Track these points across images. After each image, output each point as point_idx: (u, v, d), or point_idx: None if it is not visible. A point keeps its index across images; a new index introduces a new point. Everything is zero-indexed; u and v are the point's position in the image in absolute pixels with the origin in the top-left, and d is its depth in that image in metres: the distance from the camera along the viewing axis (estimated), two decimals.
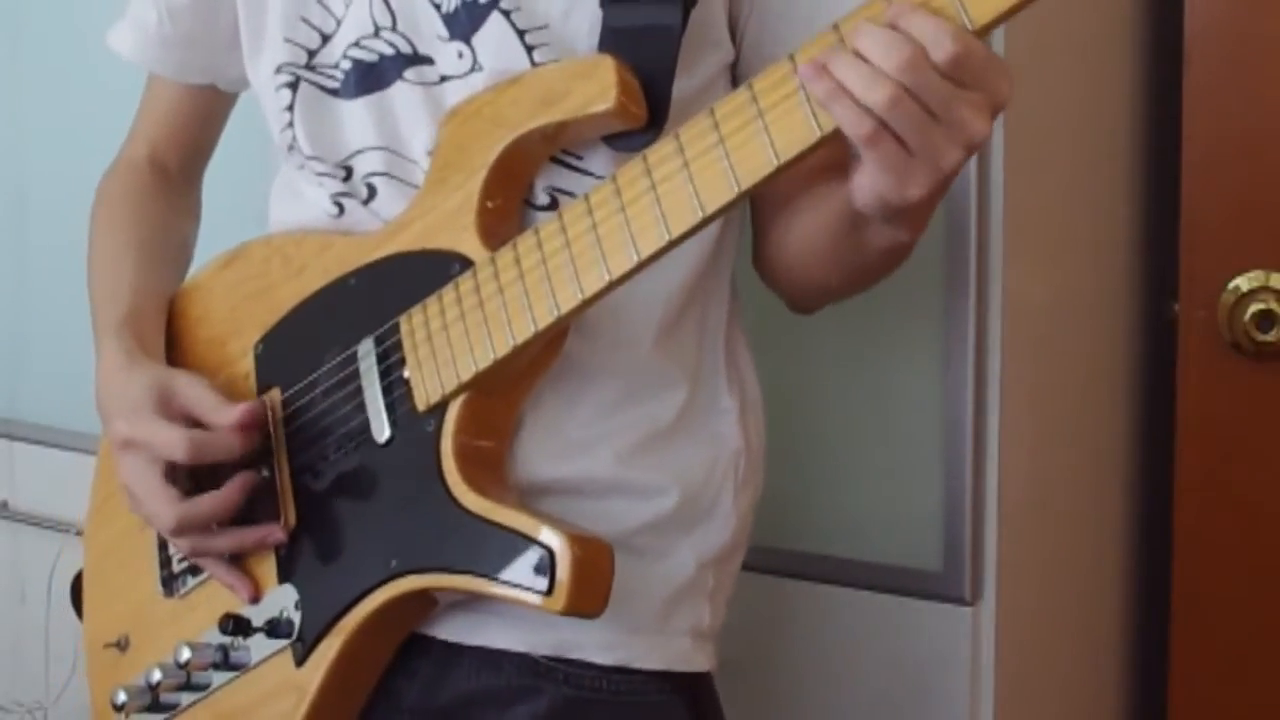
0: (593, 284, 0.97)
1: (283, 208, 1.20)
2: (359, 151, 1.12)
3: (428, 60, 1.08)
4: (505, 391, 1.05)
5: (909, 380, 1.49)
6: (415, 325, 1.05)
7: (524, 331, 0.99)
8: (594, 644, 1.07)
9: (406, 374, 1.05)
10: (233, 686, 1.12)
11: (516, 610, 1.01)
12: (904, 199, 0.89)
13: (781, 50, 0.90)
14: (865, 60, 0.85)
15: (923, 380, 1.47)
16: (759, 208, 1.16)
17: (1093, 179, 1.67)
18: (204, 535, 1.09)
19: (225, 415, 1.08)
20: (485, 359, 1.01)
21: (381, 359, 1.07)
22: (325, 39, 1.12)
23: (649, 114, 1.01)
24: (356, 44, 1.10)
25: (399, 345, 1.06)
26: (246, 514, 1.10)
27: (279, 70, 1.13)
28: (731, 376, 1.15)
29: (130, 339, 1.16)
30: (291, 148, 1.15)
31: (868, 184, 0.89)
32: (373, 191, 1.12)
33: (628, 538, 1.05)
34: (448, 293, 1.04)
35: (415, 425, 1.04)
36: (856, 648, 1.52)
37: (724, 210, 0.93)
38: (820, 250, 1.08)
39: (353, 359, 1.08)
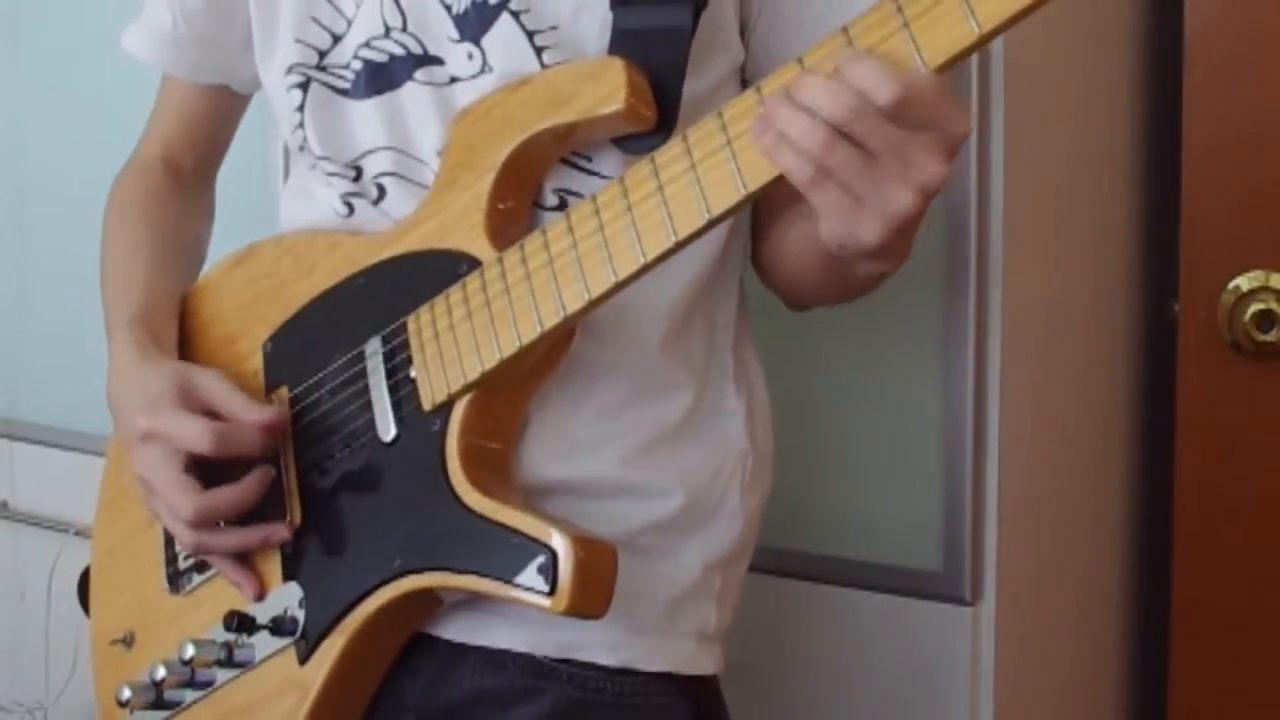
0: (599, 284, 0.97)
1: (294, 207, 1.21)
2: (369, 152, 1.12)
3: (438, 61, 1.08)
4: (511, 392, 1.05)
5: (909, 380, 1.49)
6: (422, 324, 1.05)
7: (530, 332, 0.99)
8: (598, 644, 1.07)
9: (413, 373, 1.05)
10: (236, 684, 1.12)
11: (521, 610, 1.02)
12: (858, 243, 0.89)
13: (791, 53, 0.90)
14: (805, 110, 0.86)
15: (923, 380, 1.47)
16: (758, 210, 1.16)
17: (1093, 179, 1.67)
18: (212, 532, 1.09)
19: (250, 411, 1.08)
20: (491, 359, 1.01)
21: (388, 358, 1.07)
22: (336, 39, 1.12)
23: (658, 116, 1.01)
24: (367, 44, 1.10)
25: (406, 344, 1.06)
26: (253, 512, 1.10)
27: (290, 70, 1.14)
28: (739, 379, 1.15)
29: (143, 335, 1.16)
30: (302, 148, 1.16)
31: (824, 228, 0.90)
32: (382, 192, 1.12)
33: (632, 538, 1.05)
34: (455, 292, 1.04)
35: (421, 425, 1.04)
36: (857, 648, 1.52)
37: (731, 212, 0.93)
38: (811, 263, 1.09)
39: (360, 358, 1.09)
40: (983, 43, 0.85)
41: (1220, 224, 1.64)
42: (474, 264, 1.04)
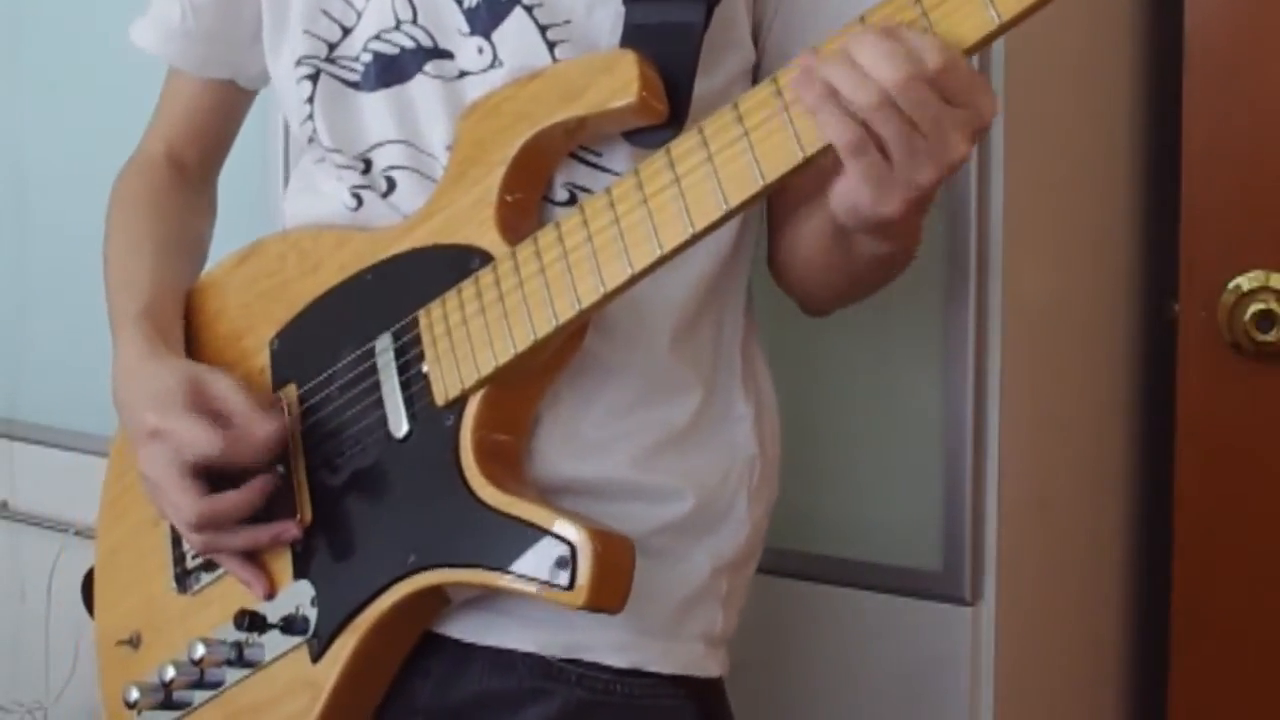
0: (615, 277, 0.96)
1: (299, 201, 1.21)
2: (378, 144, 1.12)
3: (448, 55, 1.08)
4: (524, 387, 1.05)
5: (909, 380, 1.49)
6: (434, 320, 1.05)
7: (545, 325, 0.99)
8: (607, 646, 1.07)
9: (425, 369, 1.05)
10: (246, 684, 1.12)
11: (530, 610, 1.01)
12: (877, 213, 0.89)
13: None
14: (858, 66, 0.85)
15: (923, 380, 1.47)
16: (773, 209, 1.16)
17: (1093, 179, 1.67)
18: (219, 532, 1.09)
19: (256, 422, 1.08)
20: (506, 353, 1.00)
21: (400, 354, 1.07)
22: (346, 31, 1.12)
23: (670, 110, 1.01)
24: (377, 37, 1.10)
25: (418, 340, 1.06)
26: (262, 510, 1.10)
27: (299, 63, 1.14)
28: (748, 383, 1.15)
29: (151, 331, 1.16)
30: (311, 140, 1.16)
31: (845, 193, 0.89)
32: (392, 185, 1.12)
33: (643, 540, 1.04)
34: (467, 287, 1.03)
35: (434, 420, 1.04)
36: (856, 648, 1.52)
37: (748, 204, 0.93)
38: (817, 257, 1.09)
39: (370, 354, 1.08)
40: (1001, 31, 0.85)
41: (1220, 224, 1.64)
42: (486, 258, 1.03)
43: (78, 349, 2.07)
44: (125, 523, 1.24)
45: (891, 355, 1.50)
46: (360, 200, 1.14)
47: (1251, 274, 1.63)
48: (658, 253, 0.95)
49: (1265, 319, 1.62)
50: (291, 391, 1.13)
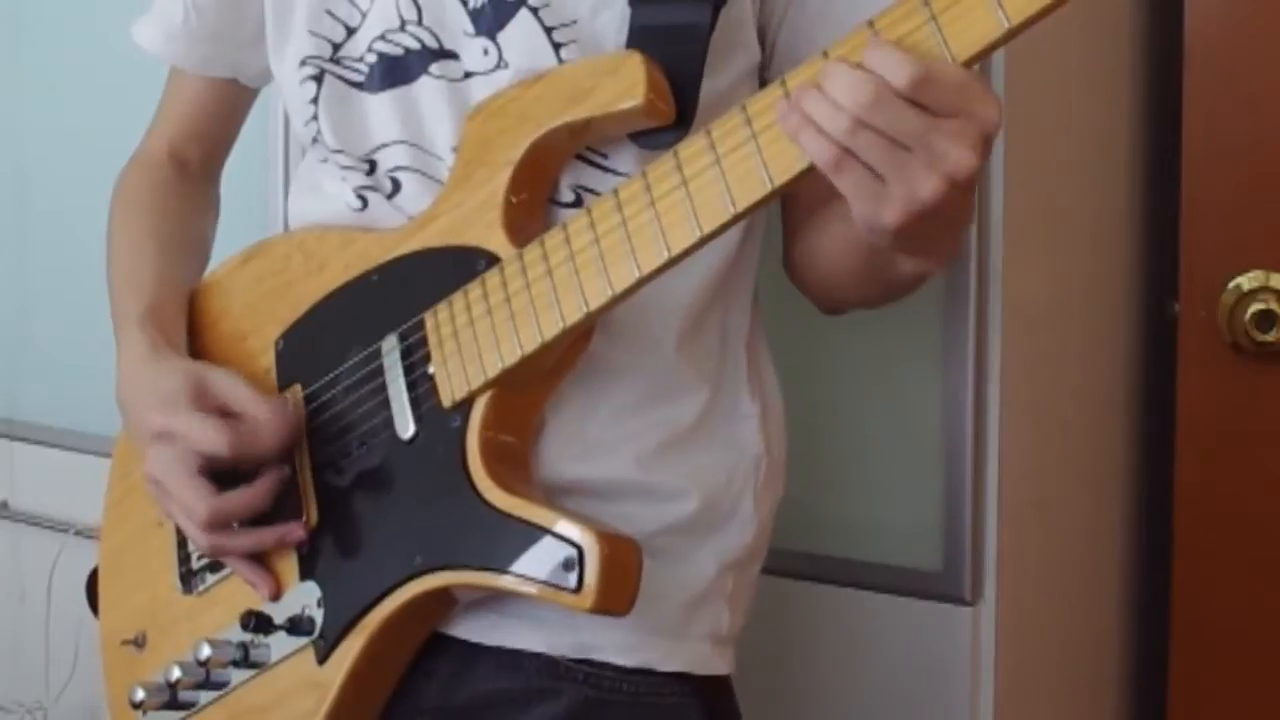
0: (622, 280, 0.96)
1: (304, 201, 1.20)
2: (383, 145, 1.12)
3: (453, 55, 1.08)
4: (532, 388, 1.05)
5: (909, 380, 1.49)
6: (441, 321, 1.05)
7: (552, 328, 0.99)
8: (614, 645, 1.07)
9: (431, 370, 1.05)
10: (252, 685, 1.12)
11: (537, 610, 1.01)
12: (880, 225, 0.88)
13: (815, 52, 0.90)
14: (828, 96, 0.86)
15: (923, 380, 1.47)
16: (790, 212, 1.16)
17: (1092, 179, 1.67)
18: (227, 533, 1.09)
19: (268, 411, 1.07)
20: (512, 355, 1.00)
21: (406, 355, 1.07)
22: (350, 32, 1.12)
23: (676, 112, 1.01)
24: (382, 37, 1.10)
25: (424, 341, 1.05)
26: (268, 511, 1.09)
27: (304, 63, 1.14)
28: (753, 382, 1.15)
29: (154, 331, 1.16)
30: (315, 141, 1.16)
31: (852, 209, 0.90)
32: (397, 186, 1.12)
33: (648, 540, 1.04)
34: (474, 289, 1.03)
35: (441, 421, 1.04)
36: (857, 648, 1.52)
37: (756, 207, 0.93)
38: (848, 267, 1.08)
39: (376, 355, 1.08)
40: (1011, 36, 0.85)
41: (1220, 224, 1.64)
42: (492, 260, 1.03)
43: (78, 349, 2.08)
44: (130, 523, 1.24)
45: (891, 355, 1.50)
46: (365, 201, 1.14)
47: (1251, 274, 1.63)
48: (665, 255, 0.95)
49: (1265, 319, 1.62)
50: (297, 392, 1.13)
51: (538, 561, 0.97)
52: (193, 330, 1.21)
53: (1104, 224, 1.70)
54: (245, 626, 1.09)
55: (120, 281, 1.22)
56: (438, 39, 1.08)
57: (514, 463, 1.04)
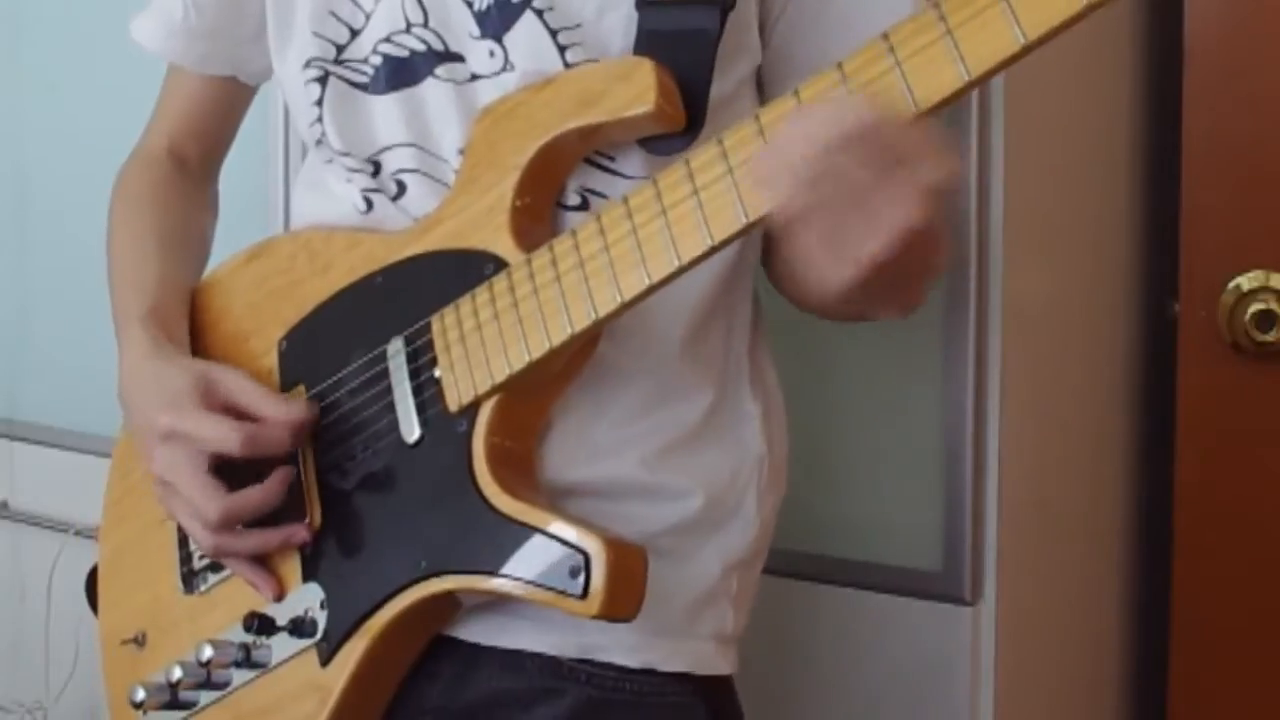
0: (632, 287, 0.96)
1: (308, 202, 1.20)
2: (388, 147, 1.11)
3: (458, 58, 1.08)
4: (538, 393, 1.04)
5: (909, 381, 1.49)
6: (447, 325, 1.04)
7: (559, 334, 0.99)
8: (619, 646, 1.07)
9: (437, 374, 1.04)
10: (253, 686, 1.11)
11: (542, 612, 1.01)
12: (838, 281, 0.86)
13: (812, 55, 0.90)
14: (778, 149, 0.86)
15: (923, 380, 1.47)
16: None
17: (1092, 179, 1.67)
18: (232, 534, 1.08)
19: (279, 409, 1.07)
20: (520, 360, 1.00)
21: (411, 358, 1.06)
22: (354, 33, 1.11)
23: (686, 118, 1.01)
24: (387, 39, 1.10)
25: (430, 345, 1.05)
26: (271, 513, 1.09)
27: (308, 65, 1.13)
28: (755, 382, 1.15)
29: (157, 329, 1.15)
30: (320, 142, 1.15)
31: (806, 268, 0.89)
32: (402, 188, 1.12)
33: (652, 540, 1.03)
34: (481, 293, 1.03)
35: (446, 426, 1.04)
36: (856, 648, 1.52)
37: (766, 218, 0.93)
38: (813, 305, 1.08)
39: (381, 358, 1.08)
40: (1026, 52, 0.84)
41: (1220, 224, 1.64)
42: (500, 264, 1.03)
43: (78, 349, 2.08)
44: (130, 522, 1.24)
45: (891, 356, 1.50)
46: (370, 203, 1.13)
47: (1251, 274, 1.63)
48: (676, 264, 0.94)
49: (1265, 319, 1.62)
50: (300, 393, 1.12)
51: (543, 567, 0.97)
52: (194, 329, 1.20)
53: (1104, 224, 1.70)
54: (248, 628, 1.09)
55: (121, 279, 1.22)
56: (443, 41, 1.08)
57: (520, 467, 1.04)
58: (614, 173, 1.06)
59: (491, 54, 1.06)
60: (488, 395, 1.02)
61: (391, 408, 1.06)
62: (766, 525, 1.15)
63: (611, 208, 0.98)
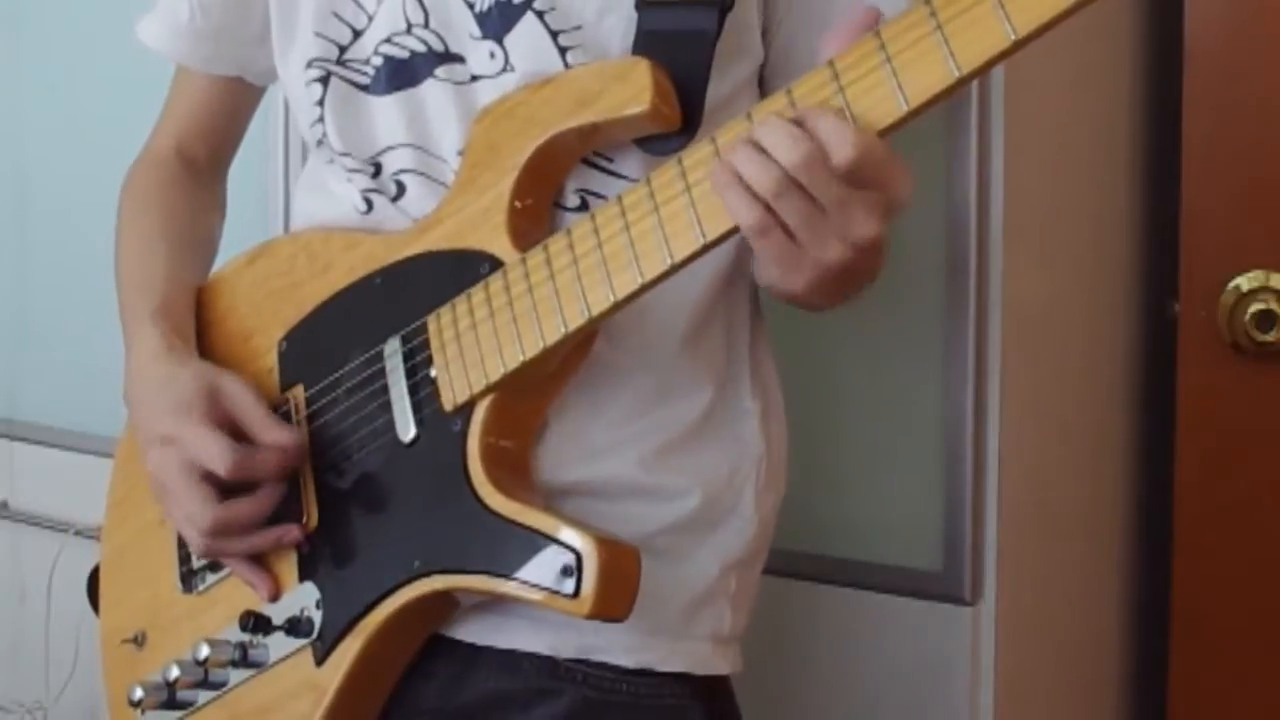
0: (625, 286, 0.96)
1: (309, 202, 1.20)
2: (389, 148, 1.12)
3: (459, 59, 1.08)
4: (532, 394, 1.05)
5: (909, 380, 1.49)
6: (443, 325, 1.05)
7: (554, 333, 0.99)
8: (616, 646, 1.07)
9: (433, 373, 1.05)
10: (250, 685, 1.12)
11: (539, 612, 1.01)
12: (788, 289, 0.93)
13: (813, 56, 0.91)
14: (764, 152, 0.88)
15: (923, 380, 1.47)
16: None
17: (1092, 179, 1.67)
18: (224, 537, 1.09)
19: (273, 434, 1.08)
20: (515, 360, 1.00)
21: (408, 358, 1.07)
22: (357, 34, 1.12)
23: (682, 118, 1.01)
24: (388, 40, 1.10)
25: (426, 344, 1.05)
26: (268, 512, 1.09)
27: (310, 65, 1.13)
28: (755, 379, 1.15)
29: (166, 329, 1.16)
30: (321, 142, 1.16)
31: (760, 270, 0.92)
32: (402, 189, 1.12)
33: (649, 540, 1.04)
34: (477, 293, 1.03)
35: (442, 425, 1.04)
36: (856, 648, 1.52)
37: None
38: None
39: (378, 358, 1.08)
40: (1016, 48, 0.86)
41: (1220, 224, 1.64)
42: (496, 264, 1.03)
43: (78, 348, 2.08)
44: (132, 522, 1.24)
45: (892, 355, 1.50)
46: (370, 204, 1.14)
47: (1251, 274, 1.63)
48: (668, 262, 0.95)
49: (1265, 319, 1.62)
50: (299, 393, 1.13)
51: (536, 567, 0.98)
52: (198, 328, 1.21)
53: (1104, 224, 1.70)
54: (244, 627, 1.10)
55: (129, 278, 1.22)
56: (444, 42, 1.08)
57: (515, 467, 1.04)
58: (612, 174, 1.06)
59: (492, 55, 1.07)
60: (482, 395, 1.02)
61: (388, 407, 1.07)
62: (765, 524, 1.15)
63: (605, 207, 0.98)
